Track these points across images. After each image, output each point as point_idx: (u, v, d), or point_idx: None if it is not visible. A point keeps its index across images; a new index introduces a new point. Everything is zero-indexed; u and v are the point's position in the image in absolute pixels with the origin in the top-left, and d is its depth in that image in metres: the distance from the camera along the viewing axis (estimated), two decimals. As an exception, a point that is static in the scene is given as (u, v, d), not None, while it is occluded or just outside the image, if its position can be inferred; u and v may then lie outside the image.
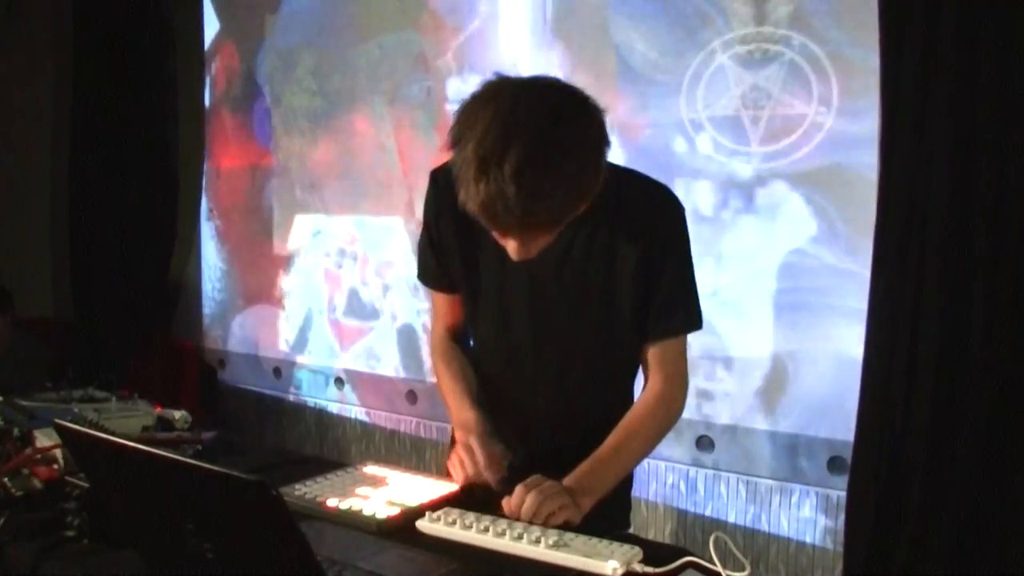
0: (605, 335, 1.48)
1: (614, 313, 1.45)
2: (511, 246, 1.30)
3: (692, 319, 1.49)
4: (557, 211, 1.22)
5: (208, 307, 4.04)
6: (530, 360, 1.53)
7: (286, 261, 3.72)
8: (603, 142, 1.26)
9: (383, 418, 3.42)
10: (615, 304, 1.45)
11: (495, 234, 1.31)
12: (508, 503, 1.31)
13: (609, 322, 1.46)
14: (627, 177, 1.47)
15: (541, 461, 1.45)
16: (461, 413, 1.51)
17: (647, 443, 1.48)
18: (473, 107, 1.22)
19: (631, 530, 1.65)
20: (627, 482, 1.62)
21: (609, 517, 1.46)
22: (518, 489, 1.31)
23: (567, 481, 1.35)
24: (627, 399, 1.55)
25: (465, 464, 1.40)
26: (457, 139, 1.21)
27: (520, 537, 1.22)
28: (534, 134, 1.17)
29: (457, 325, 1.63)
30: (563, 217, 1.25)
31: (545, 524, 1.26)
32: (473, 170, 1.18)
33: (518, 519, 1.28)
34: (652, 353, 1.49)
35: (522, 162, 1.15)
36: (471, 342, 1.66)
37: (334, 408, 3.57)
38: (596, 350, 1.49)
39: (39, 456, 1.48)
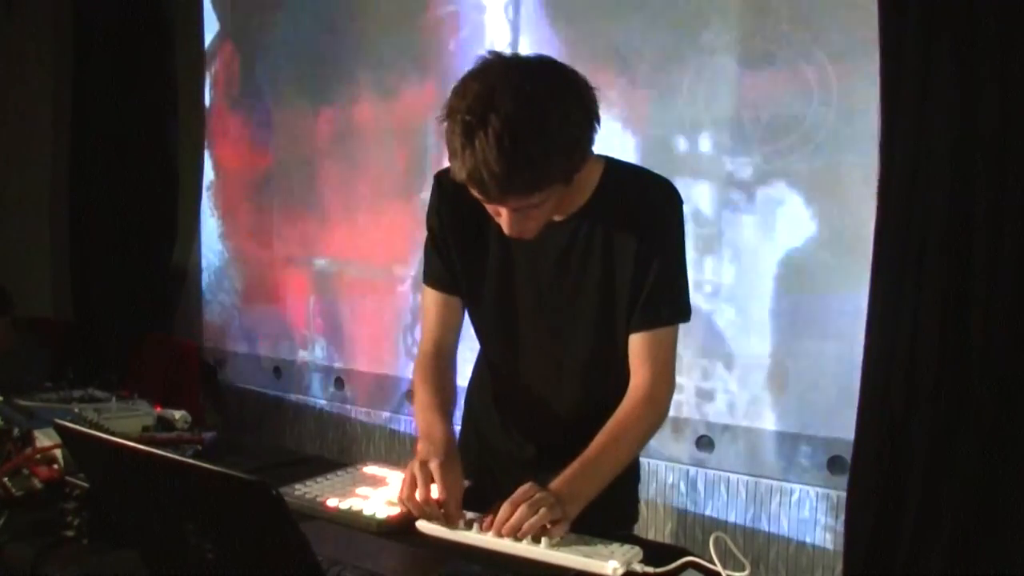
0: (606, 329, 1.47)
1: (614, 306, 1.45)
2: (504, 220, 1.30)
3: (678, 311, 1.46)
4: (540, 175, 1.21)
5: (208, 307, 4.04)
6: (534, 356, 1.53)
7: (286, 261, 3.72)
8: (591, 116, 1.26)
9: (383, 418, 3.42)
10: (615, 298, 1.44)
11: (490, 210, 1.31)
12: (491, 520, 1.25)
13: (609, 316, 1.46)
14: (628, 171, 1.47)
15: (549, 456, 1.45)
16: (430, 427, 1.43)
17: (634, 445, 1.45)
18: (464, 81, 1.24)
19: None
20: (633, 478, 1.62)
21: (618, 514, 1.46)
22: (505, 506, 1.25)
23: (552, 486, 1.29)
24: None
25: (417, 491, 1.30)
26: (448, 113, 1.23)
27: (520, 537, 1.22)
28: (518, 100, 1.18)
29: (446, 337, 1.57)
30: (546, 182, 1.23)
31: (534, 540, 1.22)
32: (460, 138, 1.20)
33: (500, 535, 1.23)
34: (639, 345, 1.45)
35: (504, 125, 1.17)
36: (480, 347, 1.64)
37: (334, 408, 3.57)
38: (599, 344, 1.49)
39: (39, 456, 1.48)
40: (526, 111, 1.18)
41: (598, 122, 1.28)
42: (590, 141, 1.28)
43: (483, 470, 1.60)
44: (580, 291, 1.45)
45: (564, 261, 1.44)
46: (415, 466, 1.32)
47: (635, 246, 1.41)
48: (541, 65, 1.26)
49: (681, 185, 1.46)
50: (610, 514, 1.37)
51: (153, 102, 3.98)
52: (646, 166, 1.53)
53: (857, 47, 2.33)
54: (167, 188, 4.04)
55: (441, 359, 1.54)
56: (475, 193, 1.26)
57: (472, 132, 1.18)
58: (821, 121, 2.41)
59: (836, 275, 2.42)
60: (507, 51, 1.29)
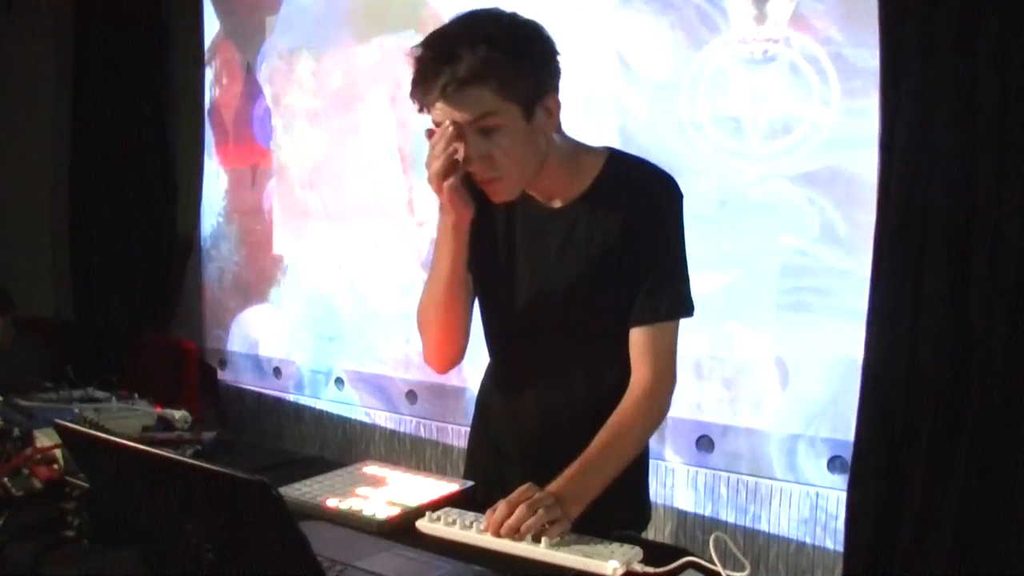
0: (605, 322, 1.46)
1: (613, 300, 1.44)
2: (463, 147, 1.30)
3: (680, 305, 1.44)
4: (477, 63, 1.25)
5: (208, 307, 4.04)
6: (537, 351, 1.52)
7: (286, 261, 3.72)
8: (544, 42, 1.33)
9: (383, 418, 3.42)
10: (613, 290, 1.43)
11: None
12: (490, 518, 1.24)
13: (608, 309, 1.45)
14: (630, 163, 1.47)
15: (554, 454, 1.44)
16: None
17: (636, 442, 1.44)
18: None
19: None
20: (642, 478, 1.61)
21: (628, 515, 1.46)
22: (501, 505, 1.24)
23: (553, 487, 1.28)
24: None
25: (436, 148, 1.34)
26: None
27: (519, 538, 1.22)
28: (472, 16, 1.32)
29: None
30: (484, 75, 1.26)
31: (534, 539, 1.21)
32: (419, 49, 1.33)
33: (499, 536, 1.22)
34: (639, 340, 1.43)
35: (451, 27, 1.32)
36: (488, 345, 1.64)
37: (334, 408, 3.57)
38: (598, 337, 1.48)
39: (39, 456, 1.47)
40: (475, 21, 1.32)
41: (557, 58, 1.34)
42: (546, 67, 1.33)
43: (491, 470, 1.59)
44: (580, 284, 1.45)
45: (564, 251, 1.44)
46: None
47: (633, 237, 1.41)
48: (509, 12, 1.35)
49: (681, 185, 1.46)
50: (619, 515, 1.37)
51: (153, 102, 3.98)
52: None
53: (857, 47, 2.33)
54: (167, 188, 4.04)
55: None
56: (421, 97, 1.32)
57: (427, 40, 1.32)
58: (821, 121, 2.42)
59: (836, 275, 2.42)
60: None
